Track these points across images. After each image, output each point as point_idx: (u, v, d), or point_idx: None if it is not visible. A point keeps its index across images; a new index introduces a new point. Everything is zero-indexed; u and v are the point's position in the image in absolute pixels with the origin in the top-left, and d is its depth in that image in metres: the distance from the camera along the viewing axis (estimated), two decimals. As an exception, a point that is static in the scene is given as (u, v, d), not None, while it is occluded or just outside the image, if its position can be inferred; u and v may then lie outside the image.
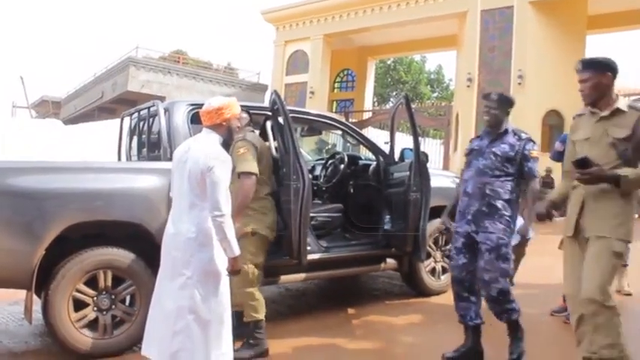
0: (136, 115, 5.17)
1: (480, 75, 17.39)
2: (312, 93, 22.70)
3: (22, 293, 3.97)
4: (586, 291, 3.03)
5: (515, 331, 3.90)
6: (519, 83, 16.23)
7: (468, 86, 17.47)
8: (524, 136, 3.88)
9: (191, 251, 3.06)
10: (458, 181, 5.80)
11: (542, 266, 6.99)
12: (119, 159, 5.69)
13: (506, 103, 3.92)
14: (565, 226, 3.28)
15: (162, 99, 8.82)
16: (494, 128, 3.90)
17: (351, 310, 5.18)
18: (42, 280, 3.75)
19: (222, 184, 3.01)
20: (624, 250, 3.13)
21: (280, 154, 4.42)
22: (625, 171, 2.99)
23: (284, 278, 4.67)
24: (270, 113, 4.57)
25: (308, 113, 5.50)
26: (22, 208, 3.62)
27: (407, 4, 19.96)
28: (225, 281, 3.18)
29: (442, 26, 20.31)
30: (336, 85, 25.27)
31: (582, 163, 3.06)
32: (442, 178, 5.88)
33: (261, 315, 3.99)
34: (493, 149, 3.83)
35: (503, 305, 3.79)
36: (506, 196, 3.77)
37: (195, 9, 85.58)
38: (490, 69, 17.18)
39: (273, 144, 4.60)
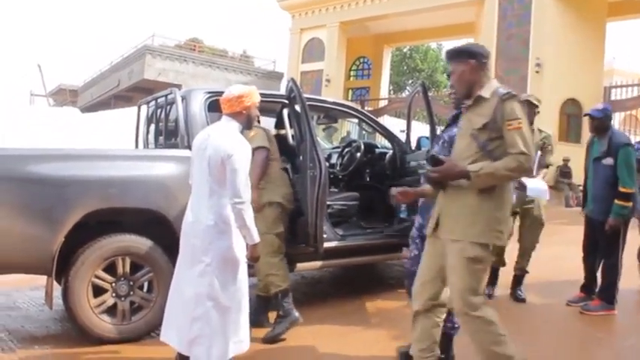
0: (153, 103, 5.19)
1: (497, 63, 17.21)
2: (327, 81, 22.65)
3: (42, 279, 4.04)
4: (450, 300, 2.93)
5: (446, 350, 3.42)
6: (537, 71, 16.07)
7: (485, 74, 17.31)
8: None
9: (210, 239, 3.08)
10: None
11: (556, 255, 6.96)
12: (136, 147, 5.72)
13: None
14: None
15: (178, 87, 8.87)
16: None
17: (366, 298, 5.19)
18: (62, 267, 3.81)
19: (242, 171, 3.03)
20: (481, 254, 2.78)
21: (297, 142, 4.43)
22: (477, 166, 2.75)
23: (300, 266, 4.69)
24: (286, 101, 4.56)
25: (324, 101, 5.49)
26: (43, 195, 3.67)
27: (424, -8, 19.79)
28: (244, 269, 3.21)
29: (459, 14, 20.14)
30: (352, 73, 25.18)
31: (432, 161, 2.89)
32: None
33: (285, 284, 4.13)
34: (446, 134, 3.42)
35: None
36: None
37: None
38: (507, 57, 17.01)
39: (289, 132, 4.61)
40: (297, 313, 4.13)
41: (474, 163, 2.79)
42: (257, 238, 3.11)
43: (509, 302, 5.12)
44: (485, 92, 2.86)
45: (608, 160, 4.71)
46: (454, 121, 3.37)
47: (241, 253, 3.16)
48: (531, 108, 4.87)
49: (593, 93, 16.10)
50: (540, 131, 5.11)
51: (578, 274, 5.17)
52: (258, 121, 4.30)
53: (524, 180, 4.65)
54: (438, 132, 4.07)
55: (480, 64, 2.91)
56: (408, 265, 3.65)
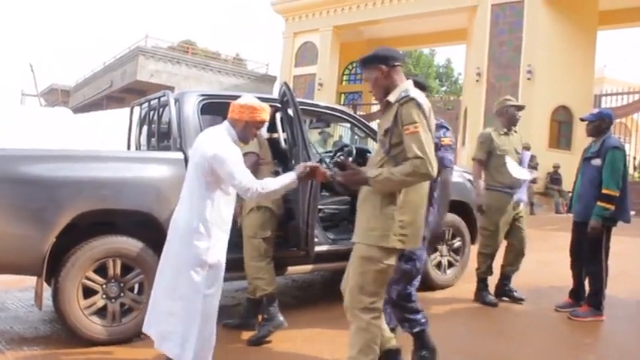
0: (146, 104, 5.19)
1: (489, 69, 17.32)
2: (320, 85, 22.68)
3: (31, 280, 4.03)
4: (345, 299, 3.00)
5: (420, 347, 3.45)
6: (529, 78, 16.16)
7: (477, 81, 17.40)
8: (439, 122, 3.51)
9: (188, 239, 3.12)
10: (467, 175, 5.83)
11: (545, 261, 7.00)
12: (128, 148, 5.72)
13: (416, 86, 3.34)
14: None
15: (171, 89, 8.80)
16: None
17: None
18: (52, 268, 3.80)
19: (236, 166, 3.06)
20: (377, 255, 2.82)
21: (289, 146, 4.44)
22: (376, 171, 2.79)
23: (291, 269, 4.70)
24: (279, 105, 4.58)
25: (317, 105, 5.51)
26: (34, 196, 3.66)
27: (417, -3, 19.88)
28: (220, 273, 3.25)
29: (452, 20, 20.23)
30: (345, 77, 25.23)
31: (339, 167, 2.95)
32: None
33: (270, 288, 4.12)
34: None
35: (403, 312, 3.46)
36: None
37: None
38: (499, 64, 17.10)
39: (282, 135, 4.62)
40: (281, 317, 4.13)
41: (381, 168, 2.83)
42: (293, 176, 3.14)
43: (499, 308, 5.14)
44: (392, 97, 2.87)
45: (597, 161, 4.80)
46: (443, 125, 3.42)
47: (220, 256, 3.20)
48: (516, 112, 5.22)
49: (583, 100, 16.23)
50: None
51: (567, 280, 5.22)
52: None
53: (509, 167, 4.82)
54: None
55: (391, 68, 2.91)
56: None
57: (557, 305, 5.12)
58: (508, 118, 5.24)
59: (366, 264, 2.85)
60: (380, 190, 2.80)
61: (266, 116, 3.31)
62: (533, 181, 5.39)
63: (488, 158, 5.13)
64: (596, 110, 5.21)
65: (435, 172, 2.74)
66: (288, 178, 3.14)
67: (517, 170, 5.00)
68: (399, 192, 2.81)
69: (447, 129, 3.56)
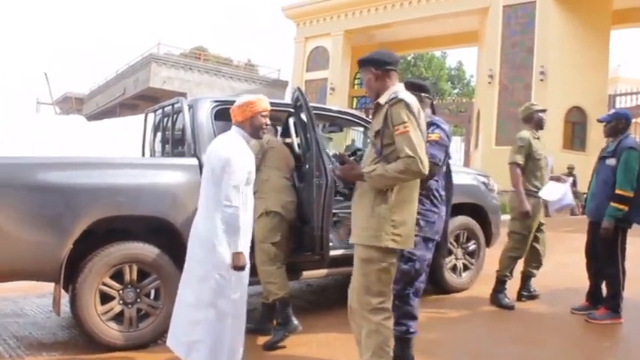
0: (160, 111, 5.23)
1: (501, 71, 17.28)
2: (332, 89, 22.74)
3: (49, 286, 4.07)
4: (350, 300, 3.02)
5: (397, 355, 3.23)
6: (541, 79, 16.10)
7: (489, 83, 17.37)
8: (430, 120, 3.46)
9: (210, 245, 3.12)
10: (481, 178, 5.81)
11: (562, 263, 6.96)
12: (143, 155, 5.76)
13: (411, 88, 3.39)
14: None
15: (183, 95, 8.80)
16: None
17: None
18: (69, 274, 3.83)
19: (233, 175, 3.05)
20: (374, 256, 2.87)
21: (303, 151, 4.45)
22: (370, 168, 2.86)
23: (306, 274, 4.70)
24: (292, 110, 4.59)
25: (330, 110, 5.53)
26: (52, 203, 3.70)
27: (428, 1, 19.89)
28: (244, 278, 3.24)
29: (463, 22, 20.21)
30: (357, 81, 25.26)
31: (339, 160, 3.04)
32: (463, 175, 5.86)
33: (282, 293, 4.12)
34: None
35: (398, 314, 3.32)
36: None
37: (216, 5, 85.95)
38: (512, 65, 17.06)
39: (295, 140, 4.63)
40: (296, 322, 4.13)
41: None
42: (239, 248, 3.08)
43: (514, 311, 5.11)
44: (382, 99, 2.93)
45: (611, 161, 4.75)
46: None
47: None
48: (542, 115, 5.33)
49: (597, 101, 16.12)
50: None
51: (583, 281, 5.17)
52: (276, 130, 4.33)
53: (544, 196, 4.98)
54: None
55: (383, 71, 2.98)
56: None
57: (573, 308, 5.07)
58: (536, 122, 5.25)
59: (367, 265, 2.90)
60: (374, 186, 2.85)
61: (265, 104, 3.34)
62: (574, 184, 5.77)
63: (526, 162, 5.11)
64: (612, 111, 5.18)
65: (426, 170, 2.79)
66: (235, 243, 3.06)
67: (552, 192, 5.11)
68: (391, 191, 2.85)
69: (437, 126, 3.48)
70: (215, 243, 3.11)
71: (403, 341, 3.42)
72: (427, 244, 3.42)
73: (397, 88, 2.95)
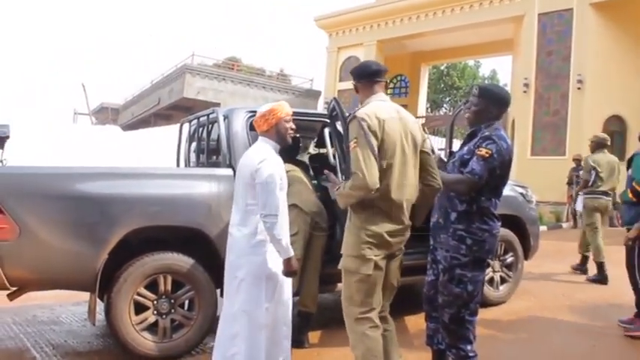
0: (195, 121, 5.25)
1: (536, 80, 17.01)
2: (364, 99, 22.65)
3: (84, 294, 4.09)
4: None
5: None
6: (579, 88, 15.77)
7: (525, 92, 17.09)
8: (486, 134, 3.21)
9: (242, 253, 3.11)
10: (519, 189, 5.67)
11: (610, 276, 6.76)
12: (178, 165, 5.79)
13: (489, 97, 3.31)
14: None
15: (217, 105, 8.85)
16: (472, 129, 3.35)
17: (406, 319, 5.10)
18: (104, 284, 3.85)
19: (270, 184, 3.02)
20: (352, 266, 2.87)
21: (339, 161, 4.40)
22: (341, 185, 2.88)
23: (340, 286, 4.63)
24: (327, 120, 4.55)
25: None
26: (89, 213, 3.72)
27: (461, 9, 19.73)
28: (284, 285, 3.20)
29: (497, 31, 19.97)
30: (389, 91, 25.15)
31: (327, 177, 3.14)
32: (501, 185, 5.74)
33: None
34: (458, 153, 3.34)
35: (454, 338, 3.23)
36: (461, 208, 3.18)
37: (249, 16, 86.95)
38: (547, 74, 16.77)
39: (330, 151, 4.59)
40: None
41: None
42: (290, 252, 3.07)
43: (553, 326, 4.97)
44: (359, 112, 2.91)
45: None
46: (469, 139, 3.32)
47: (277, 269, 3.13)
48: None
49: (637, 109, 15.70)
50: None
51: (624, 296, 5.00)
52: (297, 137, 4.29)
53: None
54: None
55: (362, 83, 3.04)
56: (425, 289, 3.51)
57: (619, 320, 4.92)
58: None
59: (347, 275, 2.93)
60: (343, 203, 2.89)
61: (287, 109, 3.32)
62: None
63: None
64: None
65: (373, 185, 2.73)
66: (286, 250, 3.04)
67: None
68: (362, 205, 2.83)
69: (492, 141, 3.14)
70: (249, 252, 3.10)
71: (442, 356, 3.33)
72: (479, 264, 3.25)
73: (372, 99, 2.97)
